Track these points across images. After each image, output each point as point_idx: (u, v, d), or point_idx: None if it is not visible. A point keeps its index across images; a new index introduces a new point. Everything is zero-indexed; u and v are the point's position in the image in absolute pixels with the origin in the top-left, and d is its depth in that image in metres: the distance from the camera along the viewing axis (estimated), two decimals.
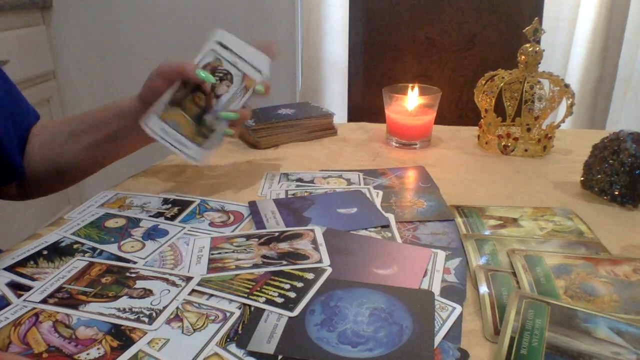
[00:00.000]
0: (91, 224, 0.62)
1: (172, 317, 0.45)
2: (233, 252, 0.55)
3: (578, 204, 0.69)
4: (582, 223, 0.63)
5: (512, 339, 0.42)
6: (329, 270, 0.52)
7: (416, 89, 0.91)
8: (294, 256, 0.54)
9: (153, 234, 0.59)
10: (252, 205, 0.66)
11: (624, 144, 0.67)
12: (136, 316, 0.45)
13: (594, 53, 1.64)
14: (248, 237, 0.58)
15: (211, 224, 0.62)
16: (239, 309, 0.47)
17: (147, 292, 0.49)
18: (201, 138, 0.67)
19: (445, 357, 0.41)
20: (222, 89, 0.67)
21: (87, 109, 0.74)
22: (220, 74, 0.67)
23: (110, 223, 0.62)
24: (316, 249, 0.56)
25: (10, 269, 0.52)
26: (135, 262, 0.54)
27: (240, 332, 0.44)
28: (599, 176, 0.70)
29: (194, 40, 1.88)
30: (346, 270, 0.52)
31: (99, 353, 0.41)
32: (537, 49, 0.84)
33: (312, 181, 0.75)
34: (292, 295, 0.48)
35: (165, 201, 0.67)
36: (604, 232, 0.61)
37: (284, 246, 0.56)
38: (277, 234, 0.59)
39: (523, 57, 0.84)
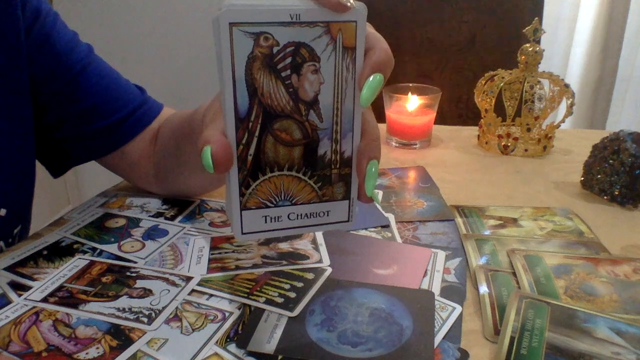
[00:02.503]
0: (91, 224, 0.62)
1: (171, 317, 0.45)
2: (233, 252, 0.55)
3: (578, 204, 0.69)
4: (582, 223, 0.63)
5: (512, 339, 0.42)
6: (329, 270, 0.52)
7: (416, 89, 0.91)
8: (294, 256, 0.54)
9: (153, 234, 0.59)
10: None
11: (624, 144, 0.67)
12: (135, 316, 0.45)
13: (594, 53, 1.64)
14: None
15: (211, 224, 0.62)
16: (239, 309, 0.47)
17: (147, 292, 0.48)
18: (331, 187, 0.36)
19: (445, 357, 0.41)
20: (307, 85, 0.33)
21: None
22: (285, 63, 0.32)
23: (110, 223, 0.62)
24: (316, 249, 0.56)
25: (10, 268, 0.52)
26: (135, 262, 0.54)
27: (240, 332, 0.44)
28: (599, 176, 0.70)
29: (193, 40, 1.89)
30: (346, 270, 0.52)
31: (98, 352, 0.41)
32: (537, 49, 0.84)
33: None
34: (292, 295, 0.48)
35: (165, 201, 0.67)
36: (604, 232, 0.61)
37: (284, 246, 0.56)
38: None
39: (523, 57, 0.84)
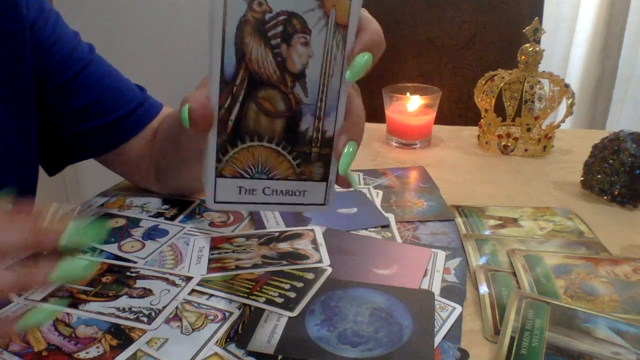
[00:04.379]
0: None
1: (171, 316, 0.45)
2: (233, 252, 0.55)
3: (578, 204, 0.69)
4: (582, 223, 0.63)
5: (512, 339, 0.42)
6: (329, 270, 0.52)
7: (416, 89, 0.91)
8: (294, 256, 0.54)
9: (153, 234, 0.59)
10: None
11: (624, 144, 0.67)
12: (135, 316, 0.45)
13: (594, 53, 1.64)
14: (248, 237, 0.58)
15: (211, 224, 0.62)
16: (239, 309, 0.47)
17: (147, 292, 0.48)
18: (309, 165, 0.35)
19: (445, 357, 0.41)
20: (296, 57, 0.32)
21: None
22: (276, 31, 0.32)
23: (111, 223, 0.62)
24: (316, 249, 0.56)
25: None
26: (135, 262, 0.54)
27: (240, 332, 0.44)
28: (599, 176, 0.70)
29: (194, 40, 1.88)
30: (346, 270, 0.52)
31: (98, 352, 0.41)
32: (537, 49, 0.84)
33: None
34: (292, 295, 0.48)
35: (165, 201, 0.67)
36: (604, 232, 0.61)
37: (284, 246, 0.56)
38: (277, 234, 0.59)
39: (523, 57, 0.84)
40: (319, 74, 0.33)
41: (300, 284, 0.49)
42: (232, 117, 0.33)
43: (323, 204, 0.36)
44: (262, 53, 0.32)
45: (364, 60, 0.33)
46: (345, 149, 0.34)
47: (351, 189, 0.37)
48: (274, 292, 0.48)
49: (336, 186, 0.36)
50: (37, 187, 0.64)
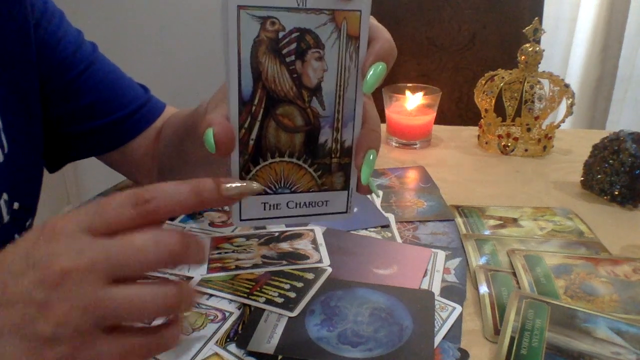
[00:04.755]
0: None
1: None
2: (233, 252, 0.55)
3: (578, 204, 0.69)
4: (582, 223, 0.63)
5: (512, 339, 0.42)
6: (329, 270, 0.52)
7: (416, 89, 0.91)
8: (294, 256, 0.54)
9: None
10: None
11: (624, 144, 0.67)
12: None
13: (594, 53, 1.64)
14: (248, 237, 0.58)
15: (211, 224, 0.62)
16: (239, 309, 0.47)
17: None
18: (330, 176, 0.36)
19: (445, 357, 0.41)
20: (311, 72, 0.33)
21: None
22: (290, 48, 0.32)
23: None
24: (316, 249, 0.56)
25: None
26: None
27: (240, 332, 0.44)
28: (599, 176, 0.70)
29: (197, 40, 1.89)
30: (346, 270, 0.52)
31: None
32: (537, 49, 0.84)
33: None
34: (292, 295, 0.48)
35: None
36: (604, 232, 0.61)
37: (284, 246, 0.56)
38: (277, 234, 0.59)
39: (523, 57, 0.84)
40: (335, 86, 0.34)
41: (300, 284, 0.49)
42: (253, 135, 0.33)
43: (345, 212, 0.37)
44: (278, 71, 0.32)
45: (378, 70, 0.33)
46: (365, 158, 0.35)
47: (371, 195, 0.37)
48: (274, 292, 0.48)
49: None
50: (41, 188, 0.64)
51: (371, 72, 0.33)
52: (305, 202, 0.36)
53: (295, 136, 0.34)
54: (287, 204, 0.36)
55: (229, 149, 0.33)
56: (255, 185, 0.32)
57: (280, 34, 0.32)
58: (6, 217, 0.54)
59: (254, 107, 0.33)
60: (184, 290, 0.30)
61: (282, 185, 0.35)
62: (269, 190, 0.35)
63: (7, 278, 0.28)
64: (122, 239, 0.28)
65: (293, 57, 0.32)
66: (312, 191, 0.36)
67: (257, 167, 0.34)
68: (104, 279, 0.27)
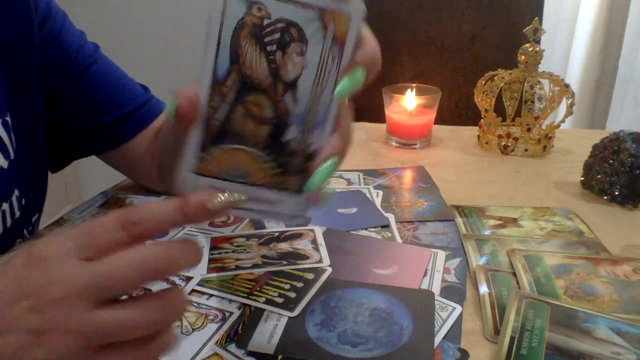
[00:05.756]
0: None
1: None
2: (233, 252, 0.55)
3: (578, 204, 0.69)
4: (582, 223, 0.63)
5: (512, 339, 0.42)
6: (329, 270, 0.52)
7: (416, 89, 0.91)
8: (294, 256, 0.54)
9: None
10: None
11: (624, 144, 0.67)
12: None
13: (594, 53, 1.64)
14: (248, 237, 0.58)
15: (211, 224, 0.62)
16: (239, 309, 0.47)
17: (147, 292, 0.48)
18: (289, 177, 0.34)
19: (445, 357, 0.41)
20: (290, 65, 0.32)
21: None
22: (273, 37, 0.32)
23: None
24: (316, 249, 0.56)
25: None
26: None
27: (240, 332, 0.44)
28: (599, 176, 0.70)
29: (197, 41, 1.89)
30: (346, 270, 0.52)
31: None
32: (537, 49, 0.84)
33: None
34: (292, 295, 0.48)
35: None
36: (604, 232, 0.61)
37: (284, 246, 0.56)
38: (277, 234, 0.59)
39: (523, 57, 0.84)
40: (311, 85, 0.32)
41: (300, 284, 0.49)
42: (219, 116, 0.32)
43: (299, 216, 0.35)
44: (257, 58, 0.32)
45: (355, 78, 0.32)
46: (324, 163, 0.33)
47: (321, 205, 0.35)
48: (274, 292, 0.48)
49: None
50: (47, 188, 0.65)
51: (347, 78, 0.32)
52: (256, 197, 0.34)
53: (262, 127, 0.33)
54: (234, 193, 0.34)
55: (189, 120, 0.32)
56: (241, 196, 0.32)
57: (265, 22, 0.31)
58: (17, 213, 0.56)
59: (225, 88, 0.32)
60: (174, 301, 0.31)
61: (237, 174, 0.33)
62: (220, 176, 0.33)
63: (0, 307, 0.28)
64: (110, 264, 0.28)
65: (274, 47, 0.32)
66: (266, 187, 0.34)
67: (216, 150, 0.33)
68: (94, 303, 0.28)
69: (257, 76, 0.32)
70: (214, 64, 0.32)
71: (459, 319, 0.46)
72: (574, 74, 1.68)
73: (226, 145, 0.33)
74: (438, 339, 0.43)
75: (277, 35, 0.31)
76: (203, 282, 0.50)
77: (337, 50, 0.32)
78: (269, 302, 0.47)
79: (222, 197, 0.31)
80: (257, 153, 0.33)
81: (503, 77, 0.85)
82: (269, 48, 0.32)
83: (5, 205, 0.54)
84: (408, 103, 0.91)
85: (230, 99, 0.32)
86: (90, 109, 0.63)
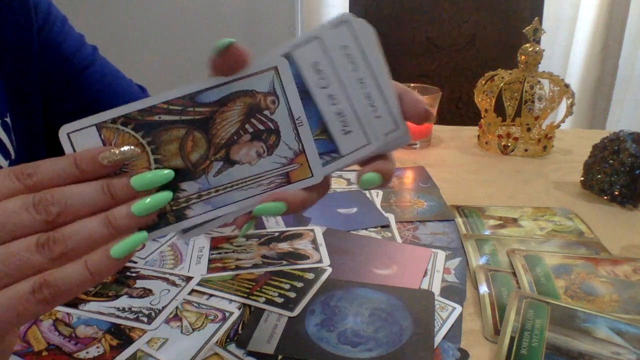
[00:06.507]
0: None
1: (171, 316, 0.45)
2: (233, 252, 0.55)
3: (578, 204, 0.69)
4: (582, 223, 0.63)
5: (512, 339, 0.42)
6: (329, 270, 0.52)
7: (416, 89, 0.91)
8: (294, 256, 0.54)
9: None
10: None
11: (624, 144, 0.67)
12: (135, 315, 0.45)
13: (594, 53, 1.64)
14: (248, 237, 0.58)
15: None
16: (239, 309, 0.47)
17: (147, 292, 0.48)
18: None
19: (445, 357, 0.41)
20: (243, 153, 0.32)
21: None
22: (256, 128, 0.32)
23: None
24: (316, 249, 0.56)
25: None
26: (135, 262, 0.54)
27: (240, 332, 0.44)
28: (599, 176, 0.70)
29: (191, 41, 1.89)
30: (346, 270, 0.52)
31: (98, 352, 0.41)
32: (537, 49, 0.84)
33: None
34: (292, 295, 0.48)
35: None
36: (604, 232, 0.61)
37: (284, 246, 0.56)
38: (277, 234, 0.59)
39: (523, 57, 0.84)
40: (245, 177, 0.32)
41: (300, 284, 0.49)
42: (165, 118, 0.33)
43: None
44: (234, 121, 0.32)
45: (374, 177, 0.33)
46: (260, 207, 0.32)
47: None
48: (274, 292, 0.48)
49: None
50: None
51: (365, 177, 0.33)
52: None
53: (178, 158, 0.32)
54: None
55: (229, 66, 0.32)
56: (137, 150, 0.32)
57: (264, 113, 0.32)
58: None
59: (199, 109, 0.33)
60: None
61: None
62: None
63: None
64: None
65: (251, 130, 0.32)
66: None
67: (125, 127, 0.34)
68: None
69: (221, 131, 0.32)
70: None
71: (459, 319, 0.46)
72: (574, 74, 1.68)
73: (144, 139, 0.33)
74: (438, 339, 0.43)
75: (261, 126, 0.32)
76: (203, 282, 0.50)
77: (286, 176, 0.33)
78: (269, 302, 0.47)
79: (116, 151, 0.31)
80: (152, 165, 0.33)
81: (503, 77, 0.85)
82: (247, 127, 0.32)
83: None
84: None
85: (187, 119, 0.32)
86: (88, 110, 0.64)
